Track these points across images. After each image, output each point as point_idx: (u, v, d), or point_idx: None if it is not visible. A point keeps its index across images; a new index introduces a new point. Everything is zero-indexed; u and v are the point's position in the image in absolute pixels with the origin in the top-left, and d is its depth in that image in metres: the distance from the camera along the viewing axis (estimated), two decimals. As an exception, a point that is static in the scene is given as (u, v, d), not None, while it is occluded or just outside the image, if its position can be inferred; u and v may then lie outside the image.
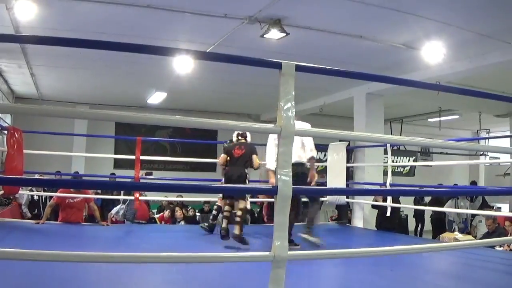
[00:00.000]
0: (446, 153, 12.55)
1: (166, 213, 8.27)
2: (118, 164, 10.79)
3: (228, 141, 5.51)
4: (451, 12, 4.87)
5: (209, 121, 2.20)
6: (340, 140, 7.77)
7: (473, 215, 8.51)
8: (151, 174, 8.72)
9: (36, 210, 7.73)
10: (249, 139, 5.18)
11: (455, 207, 8.85)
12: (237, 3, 4.89)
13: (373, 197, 7.13)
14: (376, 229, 7.21)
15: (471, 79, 6.98)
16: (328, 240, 4.61)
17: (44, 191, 7.19)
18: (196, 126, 1.90)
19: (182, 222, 8.02)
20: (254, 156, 4.84)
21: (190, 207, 9.25)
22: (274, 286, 2.04)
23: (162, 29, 5.57)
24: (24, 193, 7.31)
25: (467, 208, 8.73)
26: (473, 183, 10.25)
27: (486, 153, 12.76)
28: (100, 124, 10.77)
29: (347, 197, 7.35)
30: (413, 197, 10.28)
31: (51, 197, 7.81)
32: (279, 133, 2.07)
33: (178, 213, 8.17)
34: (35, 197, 7.68)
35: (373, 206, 7.30)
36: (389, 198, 6.63)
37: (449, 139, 6.49)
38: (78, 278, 3.07)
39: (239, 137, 5.12)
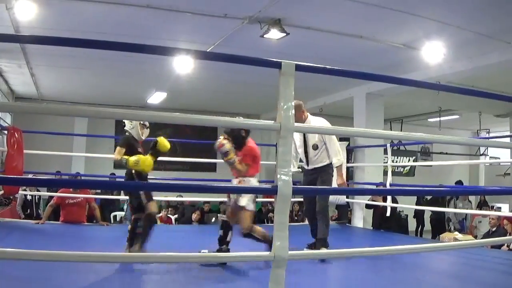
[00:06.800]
0: (446, 153, 12.55)
1: (163, 213, 8.28)
2: (118, 164, 10.77)
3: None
4: (451, 12, 4.87)
5: (208, 118, 2.19)
6: (340, 140, 7.78)
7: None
8: None
9: (28, 210, 7.70)
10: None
11: (454, 208, 8.89)
12: (237, 3, 4.89)
13: (369, 197, 7.13)
14: (373, 229, 7.22)
15: (471, 79, 6.98)
16: (328, 240, 4.61)
17: (37, 191, 7.21)
18: (196, 123, 1.91)
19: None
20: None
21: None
22: (274, 286, 2.04)
23: (162, 29, 5.57)
24: (22, 193, 7.30)
25: (466, 209, 8.76)
26: (459, 182, 10.31)
27: (486, 153, 12.77)
28: (100, 124, 10.77)
29: (347, 197, 7.35)
30: (415, 197, 10.28)
31: (44, 197, 7.84)
32: (279, 129, 2.07)
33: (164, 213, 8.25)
34: (28, 197, 7.67)
35: (368, 206, 7.30)
36: (389, 198, 6.64)
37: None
38: (77, 278, 3.07)
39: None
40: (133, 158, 3.58)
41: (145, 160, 3.57)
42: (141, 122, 3.87)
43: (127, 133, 3.91)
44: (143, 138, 3.95)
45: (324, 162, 4.30)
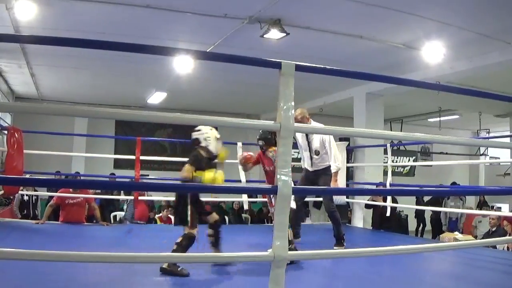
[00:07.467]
0: (446, 153, 12.55)
1: (164, 213, 8.26)
2: (118, 164, 10.79)
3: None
4: (451, 12, 4.87)
5: (208, 118, 2.20)
6: (340, 140, 7.78)
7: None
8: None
9: (25, 210, 7.70)
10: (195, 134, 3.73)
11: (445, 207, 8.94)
12: (237, 3, 4.89)
13: (369, 197, 7.13)
14: (373, 229, 7.21)
15: (471, 79, 6.98)
16: (328, 240, 4.62)
17: (35, 191, 7.19)
18: (196, 123, 1.91)
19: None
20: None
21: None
22: (274, 286, 2.04)
23: (162, 29, 5.58)
24: (19, 193, 7.29)
25: (459, 208, 8.79)
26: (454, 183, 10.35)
27: (486, 153, 12.77)
28: (100, 124, 10.79)
29: (347, 197, 7.35)
30: (414, 197, 10.28)
31: (42, 197, 7.82)
32: (279, 129, 2.07)
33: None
34: (25, 198, 7.66)
35: (367, 206, 7.30)
36: (389, 198, 6.64)
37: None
38: (78, 278, 3.08)
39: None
40: (209, 176, 3.48)
41: (220, 176, 3.54)
42: (216, 136, 3.71)
43: (197, 148, 3.65)
44: (217, 152, 3.74)
45: (325, 164, 4.65)
